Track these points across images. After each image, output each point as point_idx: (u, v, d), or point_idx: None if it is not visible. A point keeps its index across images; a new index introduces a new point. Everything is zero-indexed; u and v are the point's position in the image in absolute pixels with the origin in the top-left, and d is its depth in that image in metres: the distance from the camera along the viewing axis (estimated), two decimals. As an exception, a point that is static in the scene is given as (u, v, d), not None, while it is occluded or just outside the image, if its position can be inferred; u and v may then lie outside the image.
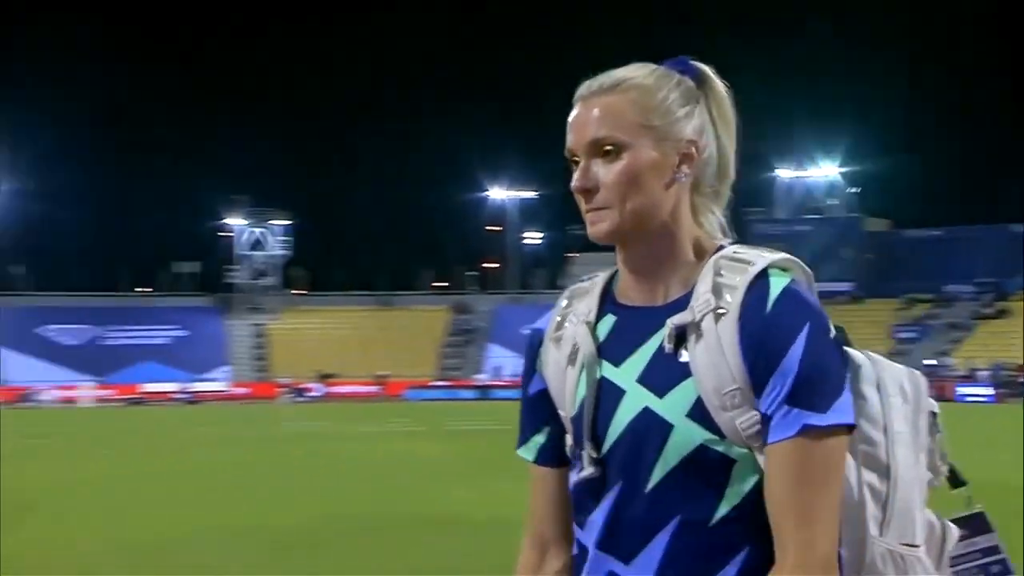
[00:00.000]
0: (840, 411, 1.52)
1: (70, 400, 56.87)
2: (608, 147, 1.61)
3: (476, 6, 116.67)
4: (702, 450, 1.55)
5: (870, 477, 1.58)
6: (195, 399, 59.56)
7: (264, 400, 59.16)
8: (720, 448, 1.54)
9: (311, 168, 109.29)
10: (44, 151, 75.97)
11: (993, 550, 1.73)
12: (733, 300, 1.55)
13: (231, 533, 12.57)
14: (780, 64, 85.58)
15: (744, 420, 1.53)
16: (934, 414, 1.69)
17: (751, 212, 67.76)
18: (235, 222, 76.96)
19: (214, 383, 64.99)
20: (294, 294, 77.40)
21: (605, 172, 1.61)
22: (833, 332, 1.58)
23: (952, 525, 1.69)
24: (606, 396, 1.62)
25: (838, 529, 1.53)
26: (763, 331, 1.53)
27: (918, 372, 1.69)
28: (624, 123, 1.61)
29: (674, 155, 1.62)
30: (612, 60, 1.70)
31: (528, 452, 1.78)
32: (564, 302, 1.74)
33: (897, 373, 1.65)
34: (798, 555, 1.49)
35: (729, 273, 1.58)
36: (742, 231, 1.75)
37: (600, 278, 1.73)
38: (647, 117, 1.61)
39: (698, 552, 1.56)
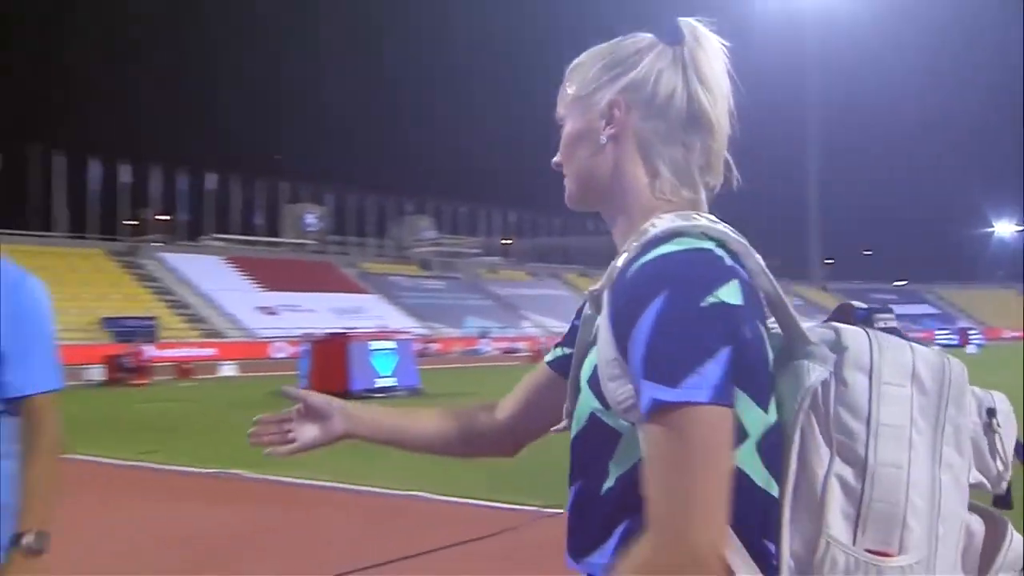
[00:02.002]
0: (693, 387, 1.35)
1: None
2: (560, 124, 1.69)
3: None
4: (593, 419, 1.52)
5: (843, 471, 1.41)
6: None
7: None
8: (607, 419, 1.50)
9: None
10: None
11: None
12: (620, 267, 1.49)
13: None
14: None
15: (620, 393, 1.44)
16: (992, 411, 1.49)
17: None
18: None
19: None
20: None
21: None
22: (710, 302, 1.38)
23: (1015, 535, 1.50)
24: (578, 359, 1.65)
25: (712, 520, 1.35)
26: (621, 299, 1.45)
27: (955, 360, 1.47)
28: (564, 99, 1.68)
29: (598, 120, 1.61)
30: None
31: (549, 355, 1.86)
32: None
33: (907, 359, 1.45)
34: (657, 532, 1.36)
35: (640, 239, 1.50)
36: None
37: None
38: (576, 89, 1.65)
39: (590, 519, 1.53)
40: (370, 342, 25.27)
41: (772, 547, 1.45)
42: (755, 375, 1.44)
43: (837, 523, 1.41)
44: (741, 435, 1.43)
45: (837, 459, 1.42)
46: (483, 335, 66.56)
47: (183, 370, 35.63)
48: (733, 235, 1.50)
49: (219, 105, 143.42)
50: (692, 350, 1.38)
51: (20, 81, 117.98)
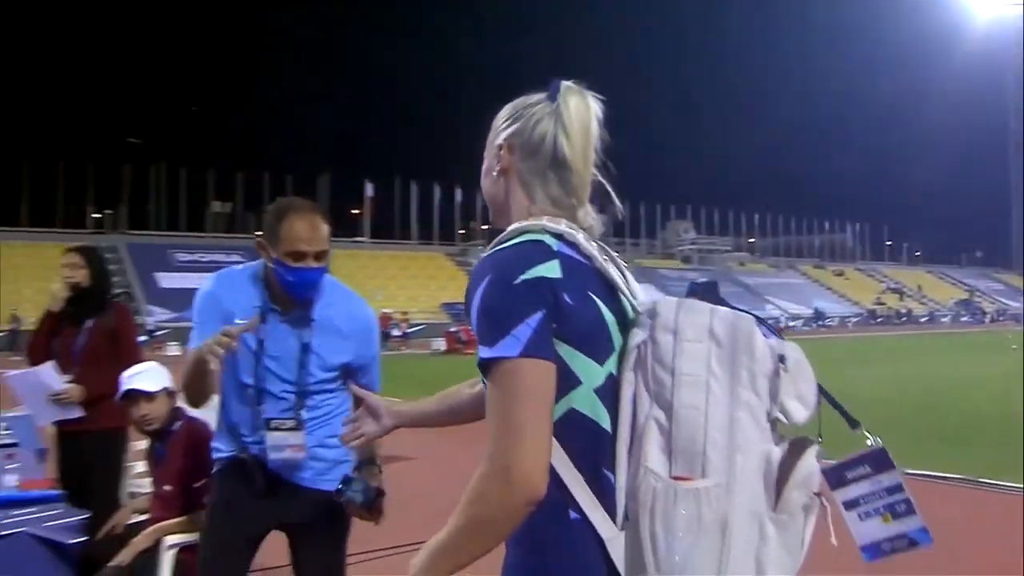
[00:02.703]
0: (504, 347, 1.41)
1: None
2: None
3: None
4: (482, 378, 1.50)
5: (658, 414, 1.42)
6: None
7: None
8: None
9: None
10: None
11: (897, 488, 1.47)
12: None
13: None
14: None
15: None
16: (782, 357, 1.43)
17: None
18: None
19: None
20: None
21: None
22: (523, 278, 1.43)
23: (812, 463, 1.42)
24: None
25: (526, 451, 1.37)
26: (468, 285, 1.50)
27: (746, 316, 1.45)
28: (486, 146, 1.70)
29: (495, 160, 1.64)
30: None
31: None
32: None
33: (704, 320, 1.44)
34: (484, 464, 1.40)
35: None
36: None
37: None
38: (489, 135, 1.68)
39: None
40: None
41: (611, 476, 1.47)
42: (586, 333, 1.48)
43: (654, 456, 1.42)
44: (574, 382, 1.47)
45: (655, 405, 1.44)
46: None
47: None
48: (571, 231, 1.54)
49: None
50: (505, 317, 1.42)
51: (395, 132, 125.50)
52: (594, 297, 1.50)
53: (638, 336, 1.48)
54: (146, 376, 3.60)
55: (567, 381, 1.47)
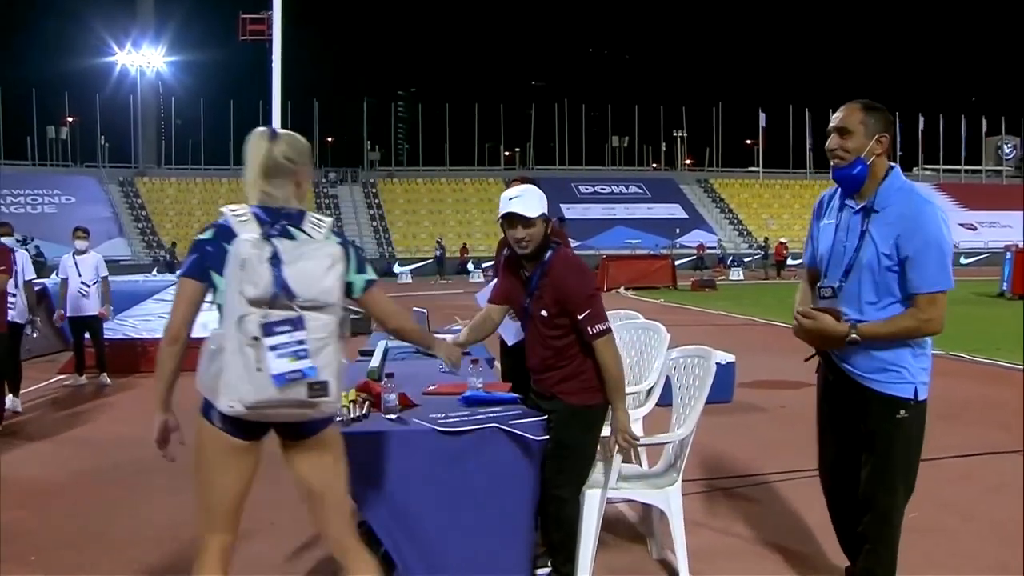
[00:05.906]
0: (179, 270, 2.61)
1: None
2: None
3: None
4: None
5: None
6: None
7: None
8: None
9: None
10: None
11: (299, 343, 2.43)
12: None
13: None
14: None
15: None
16: (243, 262, 2.41)
17: None
18: None
19: None
20: None
21: None
22: (196, 239, 2.60)
23: (259, 320, 2.42)
24: None
25: (171, 320, 2.59)
26: None
27: (241, 238, 2.49)
28: None
29: None
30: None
31: None
32: None
33: (238, 239, 2.49)
34: None
35: None
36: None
37: None
38: None
39: None
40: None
41: None
42: (217, 264, 2.52)
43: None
44: (215, 288, 2.56)
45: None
46: None
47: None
48: (229, 212, 2.58)
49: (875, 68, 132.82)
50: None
51: (785, 61, 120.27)
52: (224, 244, 2.51)
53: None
54: (525, 201, 3.53)
55: (216, 289, 2.56)
